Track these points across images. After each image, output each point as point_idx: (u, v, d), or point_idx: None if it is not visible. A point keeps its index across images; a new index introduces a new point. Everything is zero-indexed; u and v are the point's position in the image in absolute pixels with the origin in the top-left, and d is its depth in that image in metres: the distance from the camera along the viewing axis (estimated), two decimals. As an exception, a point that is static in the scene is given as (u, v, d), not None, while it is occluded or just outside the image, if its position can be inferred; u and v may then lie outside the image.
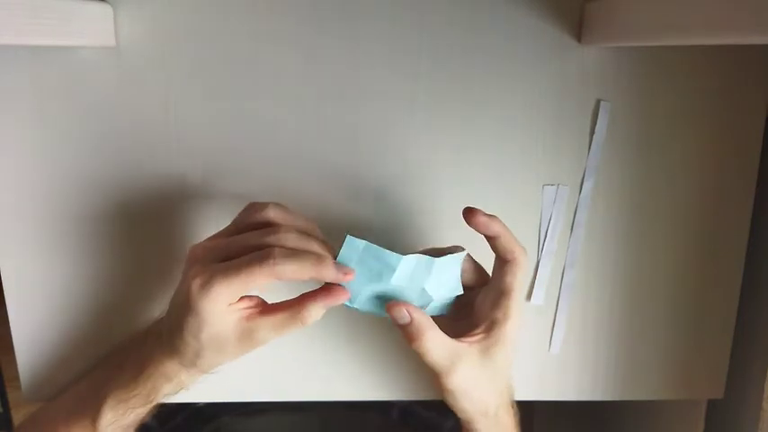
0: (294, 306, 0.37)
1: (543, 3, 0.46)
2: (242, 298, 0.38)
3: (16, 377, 0.50)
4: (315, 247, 0.38)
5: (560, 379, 0.53)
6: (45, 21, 0.36)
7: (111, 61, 0.45)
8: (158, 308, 0.49)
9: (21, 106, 0.46)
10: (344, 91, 0.47)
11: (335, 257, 0.38)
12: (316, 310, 0.37)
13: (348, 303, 0.40)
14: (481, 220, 0.40)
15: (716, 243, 0.51)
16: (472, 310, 0.43)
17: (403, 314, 0.38)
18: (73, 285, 0.49)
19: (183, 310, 0.37)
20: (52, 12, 0.37)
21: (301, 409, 0.58)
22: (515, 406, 0.45)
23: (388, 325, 0.41)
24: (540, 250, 0.51)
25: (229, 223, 0.41)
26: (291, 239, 0.37)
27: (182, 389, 0.42)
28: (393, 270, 0.39)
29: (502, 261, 0.42)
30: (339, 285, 0.38)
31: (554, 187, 0.50)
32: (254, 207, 0.40)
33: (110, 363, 0.48)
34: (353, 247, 0.39)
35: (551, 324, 0.52)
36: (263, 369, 0.51)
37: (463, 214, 0.40)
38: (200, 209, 0.48)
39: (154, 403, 0.43)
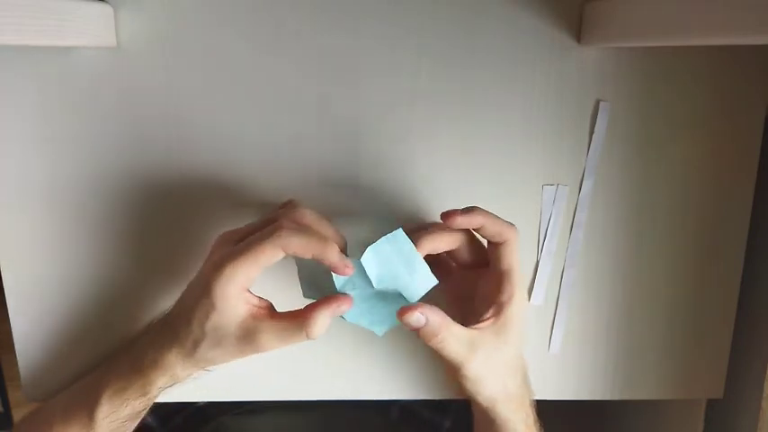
0: (300, 316, 0.37)
1: (543, 3, 0.46)
2: (255, 296, 0.38)
3: (16, 377, 0.50)
4: (328, 229, 0.39)
5: (560, 379, 0.53)
6: (45, 21, 0.36)
7: (111, 61, 0.45)
8: (160, 306, 0.49)
9: (21, 106, 0.46)
10: (344, 90, 0.47)
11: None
12: (322, 320, 0.37)
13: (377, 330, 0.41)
14: (459, 220, 0.40)
15: (715, 243, 0.51)
16: (476, 294, 0.44)
17: (417, 317, 0.38)
18: (74, 284, 0.49)
19: (197, 293, 0.37)
20: (53, 12, 0.37)
21: (301, 409, 0.58)
22: (529, 381, 0.45)
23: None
24: (539, 250, 0.51)
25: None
26: (307, 215, 0.39)
27: (176, 382, 0.42)
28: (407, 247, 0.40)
29: (494, 245, 0.42)
30: (343, 294, 0.38)
31: (554, 187, 0.50)
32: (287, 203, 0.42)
33: (108, 363, 0.48)
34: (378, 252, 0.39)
35: (551, 324, 0.52)
36: (264, 369, 0.51)
37: (442, 219, 0.41)
38: (200, 207, 0.48)
39: (149, 396, 0.42)
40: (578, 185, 0.50)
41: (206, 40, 0.45)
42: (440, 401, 0.54)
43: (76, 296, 0.49)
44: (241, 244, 0.37)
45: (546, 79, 0.48)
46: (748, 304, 0.53)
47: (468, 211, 0.41)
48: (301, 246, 0.36)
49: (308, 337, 0.37)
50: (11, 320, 0.49)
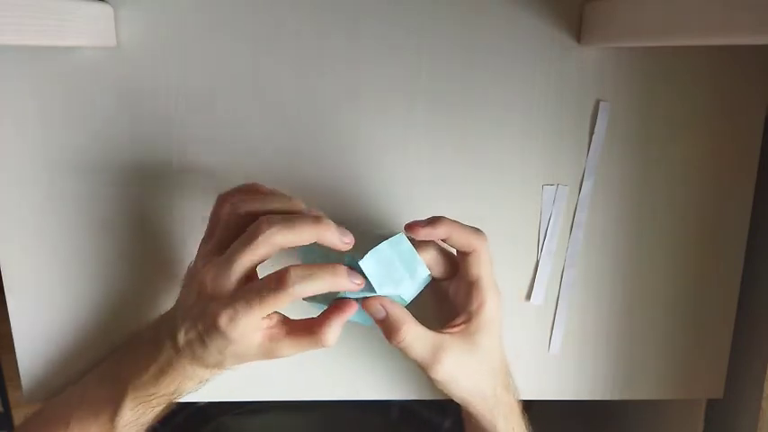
0: (314, 328, 0.38)
1: (543, 3, 0.46)
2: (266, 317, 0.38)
3: (16, 377, 0.50)
4: (306, 220, 0.36)
5: (560, 379, 0.53)
6: (45, 21, 0.36)
7: (111, 61, 0.45)
8: (160, 307, 0.49)
9: (21, 106, 0.46)
10: (344, 90, 0.47)
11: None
12: (334, 329, 0.37)
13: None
14: (423, 232, 0.40)
15: (716, 243, 0.51)
16: (449, 300, 0.43)
17: (377, 308, 0.38)
18: (74, 285, 0.49)
19: (208, 334, 0.37)
20: (53, 12, 0.37)
21: (301, 409, 0.58)
22: (514, 384, 0.45)
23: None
24: (539, 250, 0.51)
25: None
26: (277, 230, 0.35)
27: (204, 383, 0.43)
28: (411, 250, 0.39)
29: (463, 254, 0.42)
30: (347, 299, 0.38)
31: (554, 187, 0.50)
32: (221, 200, 0.40)
33: (120, 359, 0.47)
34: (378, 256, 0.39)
35: (551, 324, 0.52)
36: (264, 369, 0.51)
37: (405, 231, 0.40)
38: (200, 208, 0.48)
39: (175, 400, 0.44)
40: (578, 185, 0.50)
41: (206, 40, 0.45)
42: (440, 401, 0.54)
43: (77, 296, 0.49)
44: (252, 297, 0.35)
45: (546, 79, 0.48)
46: (748, 304, 0.53)
47: (432, 221, 0.40)
48: (314, 290, 0.35)
49: (323, 346, 0.37)
50: (11, 320, 0.49)
